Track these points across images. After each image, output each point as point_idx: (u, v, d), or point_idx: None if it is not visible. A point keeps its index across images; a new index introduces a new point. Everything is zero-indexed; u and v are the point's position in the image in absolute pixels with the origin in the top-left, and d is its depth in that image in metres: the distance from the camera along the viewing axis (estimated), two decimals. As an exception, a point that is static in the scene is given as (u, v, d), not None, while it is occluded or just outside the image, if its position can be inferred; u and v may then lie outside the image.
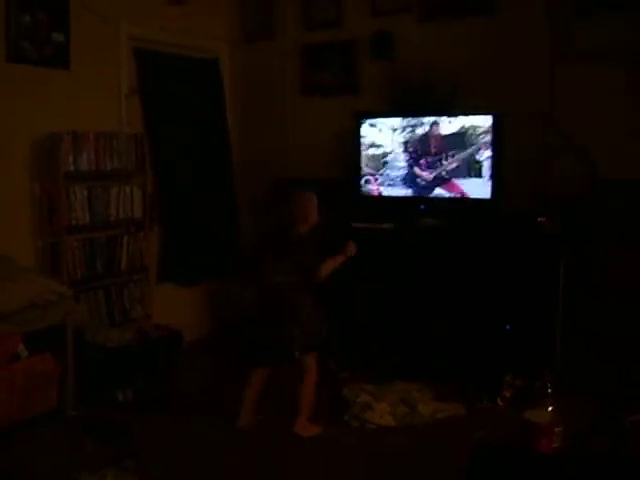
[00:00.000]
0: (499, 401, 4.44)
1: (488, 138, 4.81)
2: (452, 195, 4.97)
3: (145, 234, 5.41)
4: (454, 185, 4.95)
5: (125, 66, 5.45)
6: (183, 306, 5.89)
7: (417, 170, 5.06)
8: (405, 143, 5.09)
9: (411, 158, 5.08)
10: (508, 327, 4.65)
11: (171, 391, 4.66)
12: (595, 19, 4.64)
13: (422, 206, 5.04)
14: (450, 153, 4.94)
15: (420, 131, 5.04)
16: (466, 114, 4.90)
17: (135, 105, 5.57)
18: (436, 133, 4.99)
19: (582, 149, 4.67)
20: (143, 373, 4.56)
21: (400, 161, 5.13)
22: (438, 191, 5.01)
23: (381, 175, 5.19)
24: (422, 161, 5.04)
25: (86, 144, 4.91)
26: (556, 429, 2.70)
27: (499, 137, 4.80)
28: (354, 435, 4.13)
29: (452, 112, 4.96)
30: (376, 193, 5.23)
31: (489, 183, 4.83)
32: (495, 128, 4.80)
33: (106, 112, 5.29)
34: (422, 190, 5.07)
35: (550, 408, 2.87)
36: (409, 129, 5.08)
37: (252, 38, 6.23)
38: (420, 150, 5.05)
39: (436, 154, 4.99)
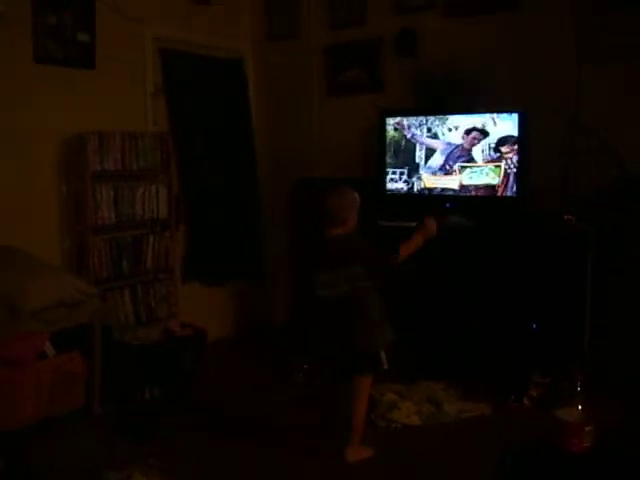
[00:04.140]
0: (525, 400, 4.40)
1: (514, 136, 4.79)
2: (478, 193, 4.95)
3: (171, 234, 5.43)
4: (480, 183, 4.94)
5: (150, 66, 5.48)
6: (208, 305, 5.91)
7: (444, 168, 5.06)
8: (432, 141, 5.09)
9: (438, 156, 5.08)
10: (535, 326, 4.61)
11: (197, 390, 4.66)
12: (622, 17, 4.60)
13: (448, 204, 5.02)
14: (476, 150, 4.93)
15: (447, 130, 5.03)
16: (491, 112, 4.87)
17: (160, 104, 5.60)
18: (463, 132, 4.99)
19: (609, 147, 4.63)
20: (169, 371, 4.57)
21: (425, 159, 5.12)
22: (464, 188, 5.00)
23: (406, 173, 5.18)
24: (449, 160, 5.04)
25: (112, 144, 4.93)
26: (587, 428, 2.66)
27: (524, 135, 4.76)
28: (381, 435, 4.10)
29: (477, 110, 4.94)
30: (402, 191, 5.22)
31: (515, 181, 4.80)
32: (521, 126, 4.77)
33: (131, 111, 5.33)
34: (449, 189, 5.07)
35: (580, 407, 2.83)
36: (434, 127, 5.07)
37: (276, 38, 6.23)
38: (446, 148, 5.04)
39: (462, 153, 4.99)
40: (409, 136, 5.16)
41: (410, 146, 5.17)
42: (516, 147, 4.78)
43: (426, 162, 5.13)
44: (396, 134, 5.21)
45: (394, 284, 4.95)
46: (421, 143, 5.12)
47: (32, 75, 4.68)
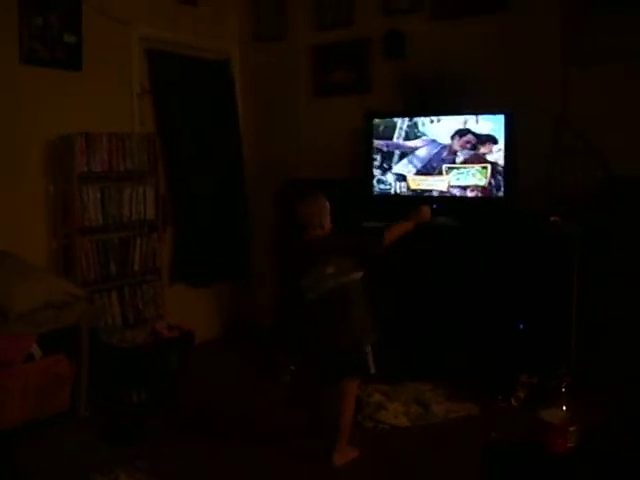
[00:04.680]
0: (513, 401, 4.42)
1: (500, 137, 4.80)
2: (465, 194, 4.96)
3: (158, 235, 5.42)
4: (467, 184, 4.95)
5: (137, 66, 5.47)
6: (195, 307, 5.90)
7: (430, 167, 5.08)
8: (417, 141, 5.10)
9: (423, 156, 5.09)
10: (521, 326, 4.63)
11: (183, 391, 4.65)
12: (609, 20, 4.62)
13: (435, 205, 5.02)
14: (463, 151, 4.93)
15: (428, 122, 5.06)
16: (478, 113, 4.88)
17: (147, 105, 5.59)
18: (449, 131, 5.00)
19: (594, 149, 4.65)
20: (156, 373, 4.56)
21: (412, 159, 5.13)
22: (451, 189, 5.01)
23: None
24: (433, 161, 5.05)
25: (99, 145, 4.92)
26: (571, 428, 2.67)
27: (511, 136, 4.78)
28: (368, 436, 4.09)
29: (464, 111, 4.95)
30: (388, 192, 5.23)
31: (501, 182, 4.81)
32: (507, 127, 4.78)
33: (118, 112, 5.32)
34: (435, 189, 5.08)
35: (564, 407, 2.84)
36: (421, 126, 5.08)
37: (264, 38, 6.23)
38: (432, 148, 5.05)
39: (450, 153, 4.99)
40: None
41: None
42: (498, 147, 4.79)
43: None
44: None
45: (379, 283, 4.98)
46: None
47: (19, 76, 4.66)
